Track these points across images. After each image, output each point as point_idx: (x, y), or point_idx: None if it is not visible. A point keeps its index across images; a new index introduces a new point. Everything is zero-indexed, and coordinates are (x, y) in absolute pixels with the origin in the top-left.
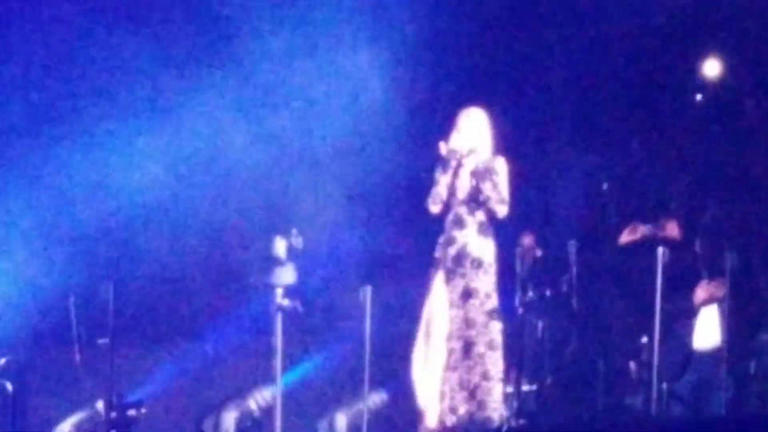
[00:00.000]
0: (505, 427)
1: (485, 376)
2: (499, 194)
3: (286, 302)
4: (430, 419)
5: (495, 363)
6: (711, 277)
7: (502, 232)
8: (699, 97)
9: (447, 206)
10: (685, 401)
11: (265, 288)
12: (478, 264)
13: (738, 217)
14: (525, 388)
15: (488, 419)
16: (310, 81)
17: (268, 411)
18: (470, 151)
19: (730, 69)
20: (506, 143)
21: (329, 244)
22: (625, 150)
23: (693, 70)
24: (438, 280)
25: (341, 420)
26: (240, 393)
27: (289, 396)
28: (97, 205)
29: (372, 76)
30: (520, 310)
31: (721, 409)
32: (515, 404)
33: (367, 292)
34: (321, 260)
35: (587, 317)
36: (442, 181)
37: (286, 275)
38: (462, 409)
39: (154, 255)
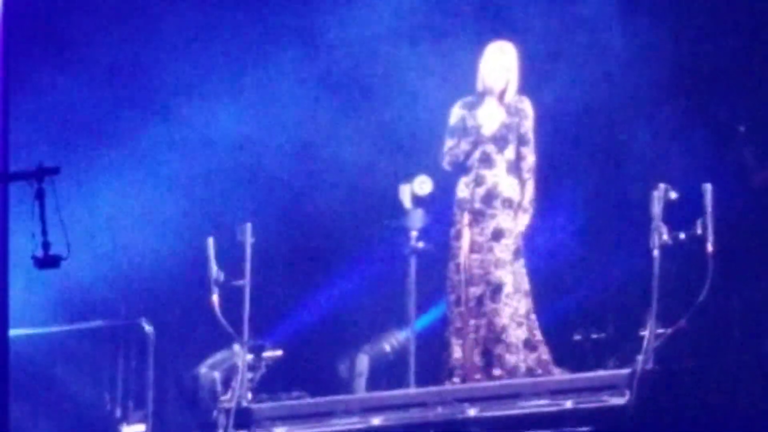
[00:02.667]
0: (639, 371)
1: (513, 318)
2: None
3: (420, 245)
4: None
5: (520, 303)
6: None
7: (635, 176)
8: None
9: (473, 144)
10: None
11: (399, 231)
12: (509, 204)
13: None
14: (659, 331)
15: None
16: None
17: (402, 353)
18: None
19: None
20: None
21: None
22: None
23: None
24: (464, 222)
25: None
26: (374, 335)
27: (422, 338)
28: (237, 148)
29: None
30: (655, 253)
31: None
32: (649, 348)
33: None
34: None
35: (722, 260)
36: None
37: (416, 219)
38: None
39: (292, 196)
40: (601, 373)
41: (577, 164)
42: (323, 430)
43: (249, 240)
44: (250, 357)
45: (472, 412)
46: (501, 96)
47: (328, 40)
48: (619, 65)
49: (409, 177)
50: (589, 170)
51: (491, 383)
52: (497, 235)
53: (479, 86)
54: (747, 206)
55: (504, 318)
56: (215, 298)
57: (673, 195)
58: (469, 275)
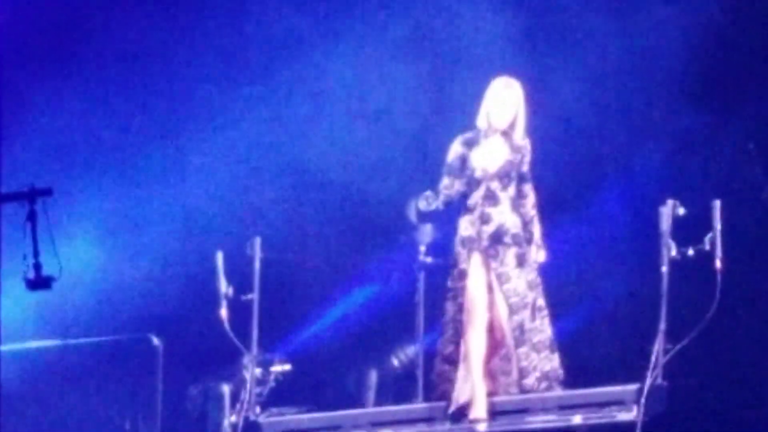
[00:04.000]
0: (647, 386)
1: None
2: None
3: (429, 260)
4: (479, 409)
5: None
6: None
7: (642, 193)
8: None
9: (470, 184)
10: None
11: (408, 246)
12: (517, 240)
13: None
14: (667, 347)
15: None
16: None
17: (410, 368)
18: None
19: None
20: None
21: None
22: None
23: None
24: (475, 263)
25: None
26: (383, 350)
27: (431, 353)
28: (244, 162)
29: None
30: (663, 269)
31: None
32: (657, 364)
33: None
34: None
35: (730, 276)
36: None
37: (425, 234)
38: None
39: (301, 211)
40: (609, 388)
41: (586, 179)
42: None
43: (258, 254)
44: (258, 371)
45: (480, 427)
46: (505, 132)
47: (333, 55)
48: (630, 80)
49: (417, 192)
50: (598, 186)
51: (499, 398)
52: (521, 260)
53: (482, 122)
54: (756, 223)
55: (546, 330)
56: (224, 312)
57: (682, 211)
58: (509, 305)
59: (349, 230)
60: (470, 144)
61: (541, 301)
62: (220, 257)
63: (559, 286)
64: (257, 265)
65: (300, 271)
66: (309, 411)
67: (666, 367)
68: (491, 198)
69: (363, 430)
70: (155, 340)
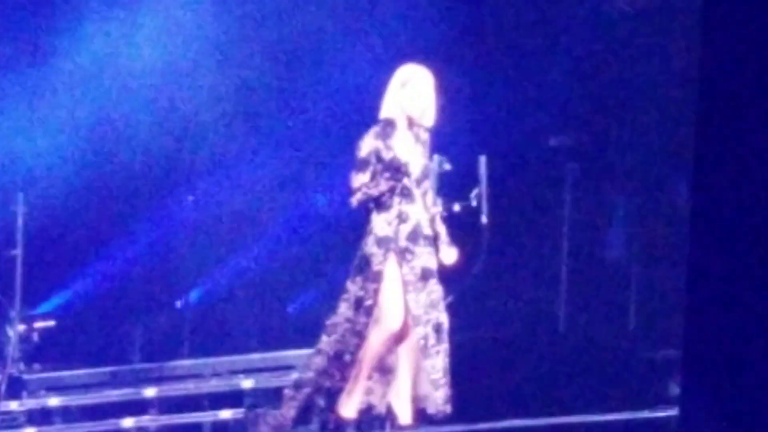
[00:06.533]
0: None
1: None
2: None
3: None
4: (404, 416)
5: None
6: None
7: None
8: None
9: (394, 180)
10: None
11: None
12: (430, 242)
13: None
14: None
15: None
16: None
17: (177, 324)
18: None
19: None
20: None
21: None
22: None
23: None
24: (390, 262)
25: None
26: (150, 306)
27: (198, 310)
28: (9, 114)
29: None
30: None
31: None
32: None
33: None
34: None
35: (496, 232)
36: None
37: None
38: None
39: (68, 163)
40: None
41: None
42: (97, 400)
43: (21, 209)
44: (22, 327)
45: (247, 383)
46: (411, 124)
47: None
48: (386, 43)
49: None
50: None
51: (267, 354)
52: (426, 274)
53: (390, 112)
54: (521, 178)
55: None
56: None
57: (448, 166)
58: (413, 316)
59: (118, 184)
60: (382, 137)
61: (445, 325)
62: None
63: (312, 252)
64: (20, 220)
65: (66, 226)
66: (74, 367)
67: None
68: (407, 195)
69: (129, 387)
70: None
